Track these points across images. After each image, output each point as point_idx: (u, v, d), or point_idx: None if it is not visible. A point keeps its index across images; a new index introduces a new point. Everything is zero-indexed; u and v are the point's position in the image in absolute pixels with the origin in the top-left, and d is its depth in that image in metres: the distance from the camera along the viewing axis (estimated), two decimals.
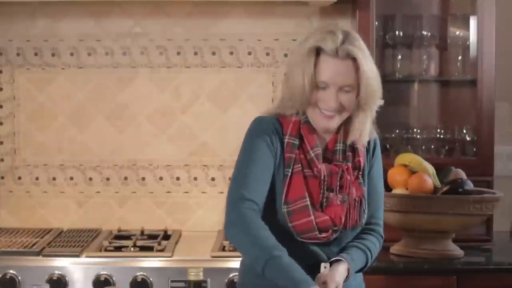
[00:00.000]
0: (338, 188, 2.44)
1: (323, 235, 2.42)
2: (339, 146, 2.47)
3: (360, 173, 2.49)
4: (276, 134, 2.45)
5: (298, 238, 2.42)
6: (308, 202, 2.40)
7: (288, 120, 2.46)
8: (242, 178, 2.40)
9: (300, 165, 2.43)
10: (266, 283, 2.38)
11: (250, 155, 2.43)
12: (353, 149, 2.48)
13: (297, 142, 2.44)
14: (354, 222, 2.46)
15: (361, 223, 2.49)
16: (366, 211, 2.49)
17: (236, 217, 2.36)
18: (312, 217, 2.40)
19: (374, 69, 2.40)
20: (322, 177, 2.42)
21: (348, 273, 2.42)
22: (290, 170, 2.42)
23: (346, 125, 2.47)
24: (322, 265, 2.40)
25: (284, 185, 2.42)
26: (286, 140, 2.44)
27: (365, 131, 2.46)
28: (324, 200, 2.43)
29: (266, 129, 2.45)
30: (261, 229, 2.35)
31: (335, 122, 2.43)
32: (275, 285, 2.35)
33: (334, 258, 2.43)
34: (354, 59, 2.34)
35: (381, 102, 2.46)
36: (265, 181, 2.42)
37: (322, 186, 2.42)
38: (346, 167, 2.45)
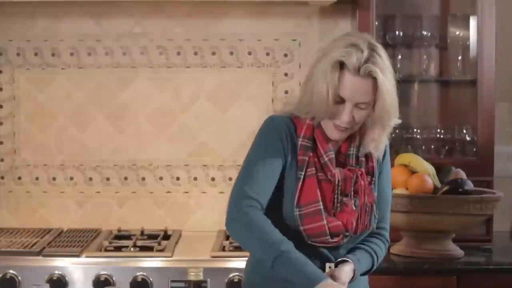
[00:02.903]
0: (352, 193, 2.44)
1: (334, 239, 2.42)
2: (353, 151, 2.47)
3: (373, 178, 2.49)
4: (289, 135, 2.44)
5: (309, 242, 2.41)
6: (321, 207, 2.40)
7: (302, 122, 2.45)
8: (248, 176, 2.40)
9: (314, 168, 2.42)
10: (274, 282, 2.39)
11: (259, 154, 2.43)
12: (366, 154, 2.48)
13: (310, 144, 2.43)
14: (364, 227, 2.46)
15: (371, 228, 2.49)
16: (376, 216, 2.49)
17: (237, 214, 2.37)
18: (325, 221, 2.40)
19: (393, 89, 2.38)
20: (337, 182, 2.42)
21: (354, 274, 2.43)
22: (303, 173, 2.42)
23: (360, 130, 2.46)
24: (327, 265, 2.40)
25: (297, 188, 2.41)
26: (299, 142, 2.44)
27: (381, 144, 2.47)
28: (339, 204, 2.42)
29: (278, 129, 2.44)
30: (265, 224, 2.35)
31: (346, 134, 2.44)
32: (283, 285, 2.36)
33: (341, 259, 2.43)
34: (374, 78, 2.33)
35: (398, 121, 2.46)
36: (271, 182, 2.41)
37: (336, 191, 2.42)
38: (360, 172, 2.45)
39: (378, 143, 2.46)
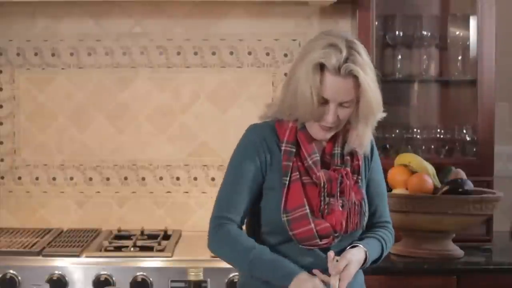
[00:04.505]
0: (338, 193, 2.44)
1: (324, 241, 2.42)
2: (337, 150, 2.47)
3: (360, 177, 2.49)
4: (268, 145, 2.45)
5: (300, 246, 2.41)
6: (308, 211, 2.40)
7: (285, 126, 2.46)
8: (225, 201, 2.46)
9: (297, 172, 2.42)
10: (268, 285, 2.40)
11: (234, 175, 2.46)
12: (352, 152, 2.48)
13: (294, 149, 2.44)
14: (354, 226, 2.45)
15: (362, 226, 2.49)
16: (366, 214, 2.49)
17: (211, 233, 2.45)
18: (312, 225, 2.39)
19: (375, 85, 2.38)
20: (322, 184, 2.42)
21: (366, 258, 2.42)
22: (288, 179, 2.42)
23: (343, 128, 2.46)
24: (334, 258, 2.38)
25: (283, 193, 2.41)
26: (283, 148, 2.44)
27: (365, 140, 2.46)
28: (326, 206, 2.42)
29: (255, 142, 2.46)
30: (236, 236, 2.41)
31: (331, 133, 2.44)
32: (278, 286, 2.37)
33: (350, 246, 2.43)
34: (355, 76, 2.33)
35: (382, 114, 2.46)
36: (246, 201, 2.45)
37: (322, 193, 2.42)
38: (345, 172, 2.45)
39: (362, 139, 2.45)
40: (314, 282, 2.31)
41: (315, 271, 2.37)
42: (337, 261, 2.36)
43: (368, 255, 2.43)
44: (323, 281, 2.33)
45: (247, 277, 2.50)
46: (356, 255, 2.40)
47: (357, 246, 2.43)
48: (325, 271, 2.38)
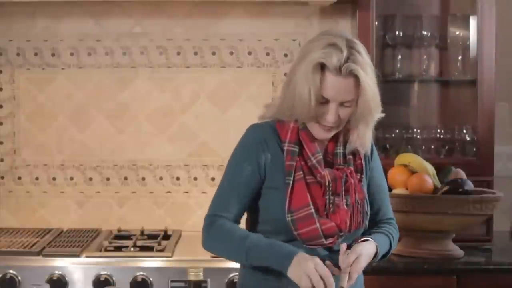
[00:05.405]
0: (343, 192, 2.44)
1: (329, 241, 2.42)
2: (339, 149, 2.47)
3: (363, 176, 2.49)
4: (266, 145, 2.45)
5: (304, 245, 2.41)
6: (313, 210, 2.40)
7: (286, 127, 2.46)
8: (220, 200, 2.47)
9: (301, 172, 2.42)
10: (266, 282, 2.40)
11: (232, 175, 2.47)
12: (353, 152, 2.48)
13: (297, 149, 2.43)
14: (358, 224, 2.46)
15: (365, 225, 2.49)
16: (368, 212, 2.49)
17: (205, 230, 2.45)
18: (318, 224, 2.39)
19: (374, 84, 2.38)
20: (327, 183, 2.42)
21: (377, 251, 2.42)
22: (292, 178, 2.42)
23: (344, 127, 2.46)
24: (346, 251, 2.37)
25: (287, 193, 2.41)
26: (285, 148, 2.44)
27: (366, 140, 2.47)
28: (331, 205, 2.42)
29: (256, 142, 2.45)
30: (228, 229, 2.41)
31: (332, 133, 2.44)
32: (276, 286, 2.38)
33: (361, 240, 2.43)
34: (356, 76, 2.33)
35: (381, 115, 2.46)
36: (242, 202, 2.45)
37: (327, 192, 2.42)
38: (349, 171, 2.45)
39: (363, 139, 2.46)
40: (314, 260, 2.30)
41: (327, 262, 2.36)
42: (347, 254, 2.36)
43: (378, 250, 2.44)
44: (332, 274, 2.32)
45: (247, 277, 2.50)
46: (367, 249, 2.40)
47: (368, 240, 2.43)
48: None
